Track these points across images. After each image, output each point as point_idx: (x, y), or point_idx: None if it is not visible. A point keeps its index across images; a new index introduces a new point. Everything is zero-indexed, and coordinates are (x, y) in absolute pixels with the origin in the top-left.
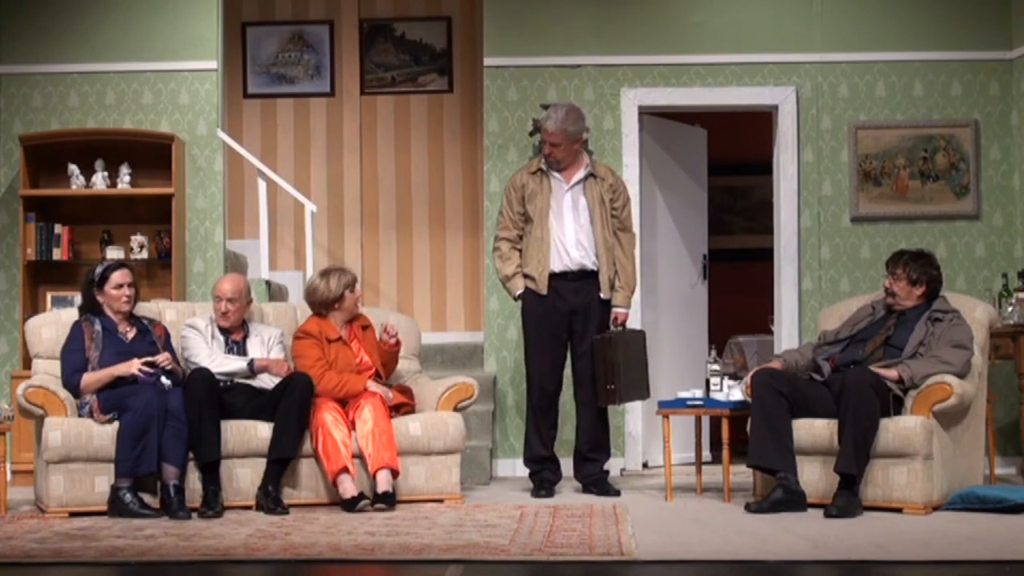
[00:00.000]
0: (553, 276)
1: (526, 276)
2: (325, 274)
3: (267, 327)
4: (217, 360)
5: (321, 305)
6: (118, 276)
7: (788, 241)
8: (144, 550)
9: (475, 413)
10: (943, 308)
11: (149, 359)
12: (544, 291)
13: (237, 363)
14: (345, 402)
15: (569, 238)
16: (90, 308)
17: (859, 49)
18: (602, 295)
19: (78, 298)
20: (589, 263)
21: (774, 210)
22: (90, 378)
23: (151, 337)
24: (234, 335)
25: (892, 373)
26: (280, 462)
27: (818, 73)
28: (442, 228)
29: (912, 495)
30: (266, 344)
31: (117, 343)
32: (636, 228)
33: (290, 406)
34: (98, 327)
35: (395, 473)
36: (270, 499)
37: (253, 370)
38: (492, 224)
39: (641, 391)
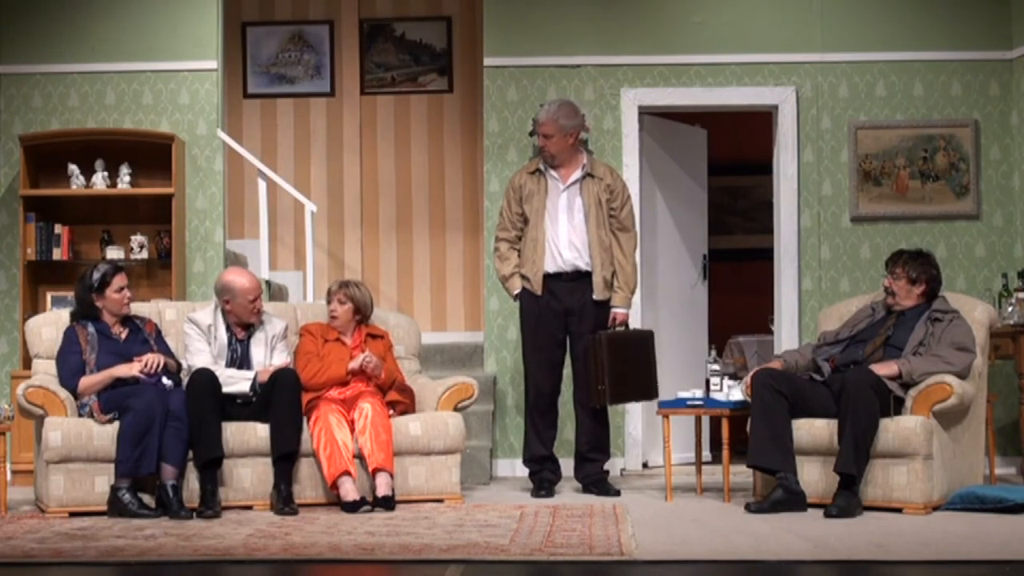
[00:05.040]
0: (548, 277)
1: (523, 276)
2: (340, 282)
3: (272, 321)
4: (222, 378)
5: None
6: (119, 279)
7: (788, 241)
8: (144, 550)
9: (475, 413)
10: (943, 308)
11: (143, 368)
12: (539, 291)
13: (240, 386)
14: (345, 384)
15: (562, 239)
16: (85, 314)
17: (859, 49)
18: (595, 296)
19: None
20: (582, 264)
21: (774, 210)
22: (89, 381)
23: (143, 335)
24: (238, 333)
25: (892, 367)
26: (285, 458)
27: (818, 73)
28: (442, 228)
29: (912, 495)
30: (269, 343)
31: (112, 344)
32: (636, 228)
33: (281, 402)
34: (92, 330)
35: (390, 475)
36: (280, 498)
37: (256, 391)
38: (492, 224)
39: (647, 391)
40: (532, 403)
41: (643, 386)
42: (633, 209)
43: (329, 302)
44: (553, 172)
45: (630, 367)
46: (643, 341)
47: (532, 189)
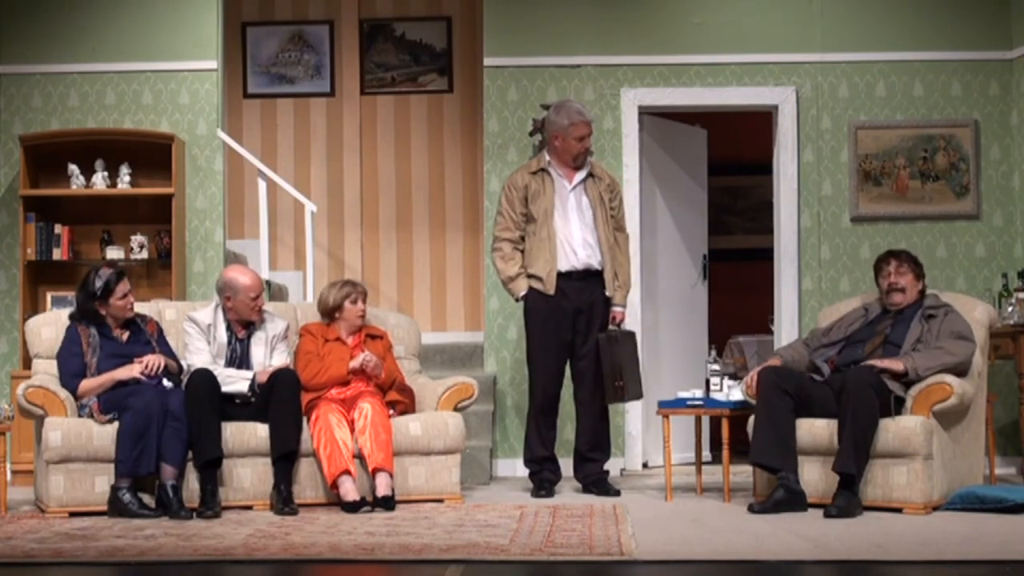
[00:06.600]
0: (559, 276)
1: (531, 276)
2: (333, 285)
3: (273, 320)
4: (220, 377)
5: (324, 313)
6: (122, 287)
7: (788, 241)
8: (144, 550)
9: (475, 413)
10: (935, 304)
11: (144, 370)
12: (551, 291)
13: (238, 386)
14: (346, 384)
15: (576, 238)
16: (87, 317)
17: (859, 49)
18: (608, 293)
19: None
20: (595, 262)
21: (774, 210)
22: (89, 384)
23: (145, 336)
24: (238, 332)
25: (898, 365)
26: (285, 458)
27: (818, 73)
28: (442, 228)
29: (912, 495)
30: (269, 343)
31: (113, 346)
32: (636, 228)
33: (280, 403)
34: (93, 331)
35: (389, 474)
36: (280, 498)
37: (255, 391)
38: (492, 224)
39: (636, 390)
40: (538, 404)
41: (637, 384)
42: (626, 209)
43: (355, 302)
44: (559, 172)
45: (634, 366)
46: (633, 341)
47: (537, 189)
